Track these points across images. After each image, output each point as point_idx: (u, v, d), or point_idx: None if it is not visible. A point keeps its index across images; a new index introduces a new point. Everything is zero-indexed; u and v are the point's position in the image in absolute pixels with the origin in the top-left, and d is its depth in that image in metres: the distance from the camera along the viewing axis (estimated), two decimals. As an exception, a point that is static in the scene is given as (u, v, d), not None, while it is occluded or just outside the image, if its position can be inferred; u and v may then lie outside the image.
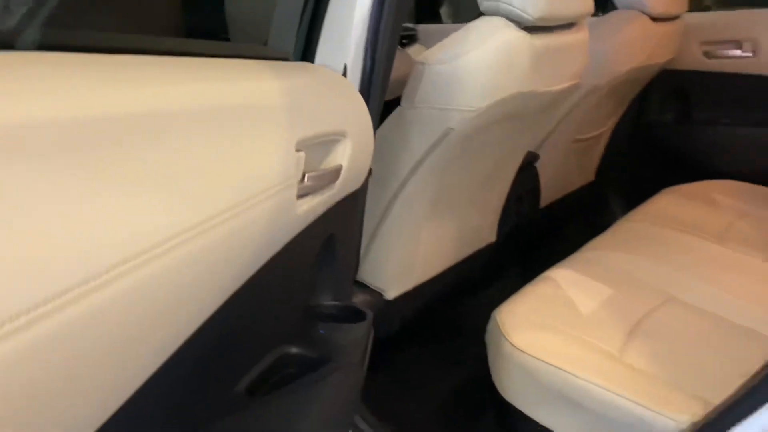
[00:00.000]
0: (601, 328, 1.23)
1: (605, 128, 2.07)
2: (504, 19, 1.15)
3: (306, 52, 0.90)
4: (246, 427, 0.67)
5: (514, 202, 1.74)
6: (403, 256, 1.39)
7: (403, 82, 1.20)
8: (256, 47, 0.92)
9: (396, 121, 1.22)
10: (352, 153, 0.81)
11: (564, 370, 1.10)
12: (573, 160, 2.02)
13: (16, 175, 0.36)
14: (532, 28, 1.17)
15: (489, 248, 1.70)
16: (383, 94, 0.98)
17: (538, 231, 2.02)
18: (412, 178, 1.26)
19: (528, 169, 1.76)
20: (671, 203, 1.88)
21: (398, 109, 1.21)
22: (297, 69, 0.78)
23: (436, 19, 2.52)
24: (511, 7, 1.12)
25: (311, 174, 0.70)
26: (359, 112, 0.86)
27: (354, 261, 1.10)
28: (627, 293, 1.36)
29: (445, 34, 1.20)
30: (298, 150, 0.66)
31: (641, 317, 1.28)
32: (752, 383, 0.88)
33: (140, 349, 0.47)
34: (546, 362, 1.12)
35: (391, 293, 1.38)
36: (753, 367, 1.16)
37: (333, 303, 0.88)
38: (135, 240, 0.44)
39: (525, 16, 1.12)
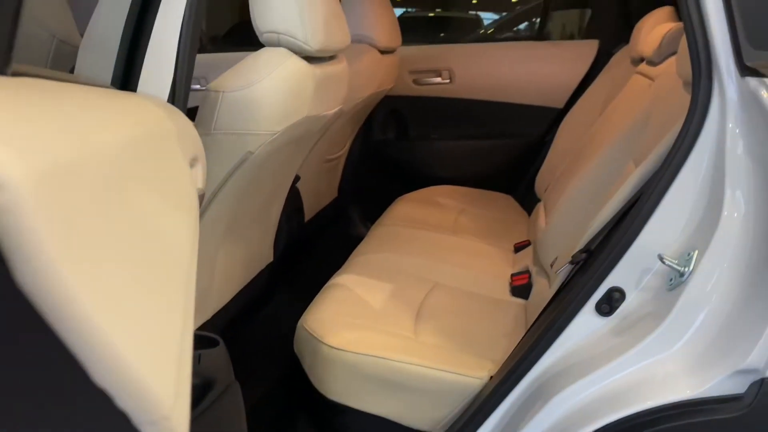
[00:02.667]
0: (395, 317, 1.41)
1: (345, 149, 2.31)
2: (286, 49, 1.25)
3: (127, 80, 0.88)
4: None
5: (285, 221, 1.84)
6: (202, 285, 1.38)
7: None
8: (69, 75, 0.86)
9: (192, 148, 1.22)
10: (203, 175, 0.83)
11: (381, 357, 1.24)
12: (323, 180, 2.21)
13: None
14: (310, 59, 1.30)
15: (268, 267, 1.77)
16: None
17: (305, 246, 2.15)
18: (212, 205, 1.27)
19: (293, 189, 1.88)
20: (407, 208, 2.20)
21: None
22: (139, 99, 0.77)
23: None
24: (293, 39, 1.23)
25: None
26: (197, 138, 0.88)
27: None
28: (404, 285, 1.57)
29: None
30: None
31: (420, 302, 1.50)
32: (529, 340, 1.12)
33: None
34: (364, 354, 1.25)
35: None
36: (509, 326, 1.47)
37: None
38: None
39: (306, 47, 1.24)
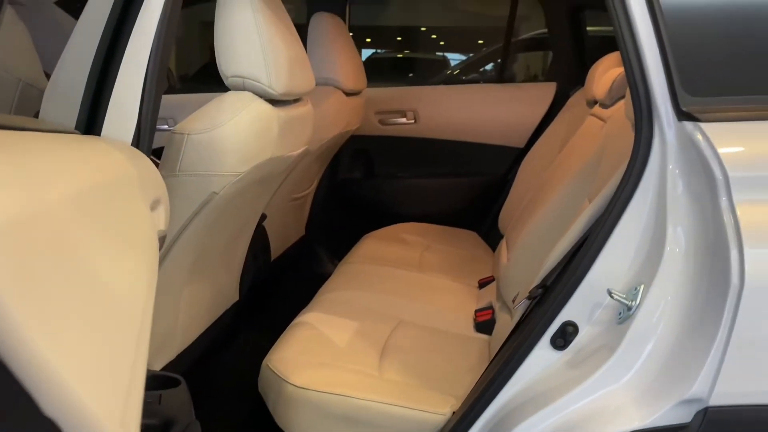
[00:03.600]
0: (359, 355, 1.43)
1: (312, 187, 2.34)
2: (250, 93, 1.29)
3: (92, 123, 0.90)
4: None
5: (251, 259, 1.85)
6: (166, 325, 1.37)
7: None
8: (32, 120, 0.87)
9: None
10: (165, 217, 0.85)
11: (345, 395, 1.25)
12: (290, 218, 2.23)
13: None
14: (275, 102, 1.33)
15: (234, 306, 1.76)
16: None
17: (271, 285, 2.15)
18: (175, 245, 1.28)
19: (259, 228, 1.89)
20: (374, 245, 2.22)
21: None
22: (101, 144, 0.79)
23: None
24: (258, 84, 1.26)
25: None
26: (160, 181, 0.90)
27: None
28: (369, 323, 1.59)
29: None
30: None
31: (386, 340, 1.52)
32: (489, 375, 1.15)
33: None
34: (328, 392, 1.26)
35: (157, 365, 1.35)
36: (473, 362, 1.49)
37: (148, 374, 0.88)
38: None
39: (271, 91, 1.28)
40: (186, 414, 0.83)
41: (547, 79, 2.58)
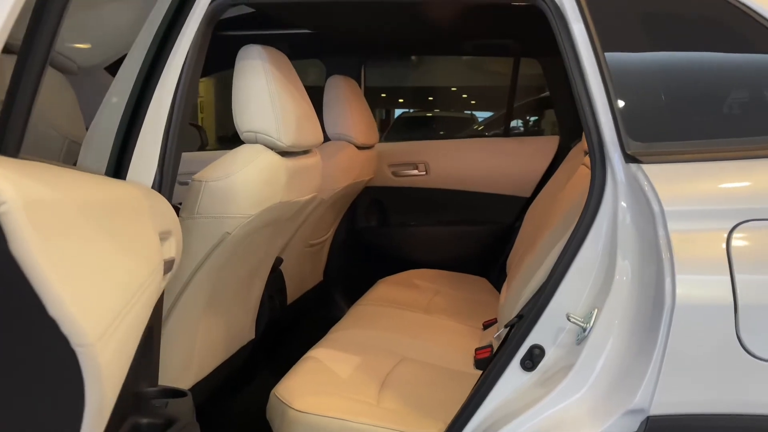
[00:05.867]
0: (361, 386, 1.53)
1: (329, 234, 2.49)
2: (262, 145, 1.46)
3: (118, 169, 1.07)
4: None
5: (267, 300, 1.99)
6: (183, 356, 1.51)
7: None
8: (68, 165, 1.05)
9: (177, 230, 1.40)
10: (177, 247, 1.00)
11: (341, 419, 1.36)
12: (307, 263, 2.38)
13: None
14: (284, 153, 1.50)
15: (250, 344, 1.90)
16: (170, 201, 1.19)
17: (286, 326, 2.28)
18: (193, 279, 1.43)
19: (276, 271, 2.04)
20: (386, 290, 2.34)
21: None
22: (123, 183, 0.96)
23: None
24: (268, 137, 1.44)
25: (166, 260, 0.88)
26: (173, 216, 1.06)
27: (158, 351, 1.21)
28: (373, 358, 1.70)
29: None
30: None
31: (387, 374, 1.62)
32: (469, 396, 1.25)
33: None
34: (326, 416, 1.37)
35: None
36: (466, 394, 1.58)
37: (160, 387, 1.02)
38: None
39: (279, 143, 1.45)
40: (187, 416, 0.96)
41: (552, 134, 2.72)
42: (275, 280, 2.06)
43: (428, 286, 2.43)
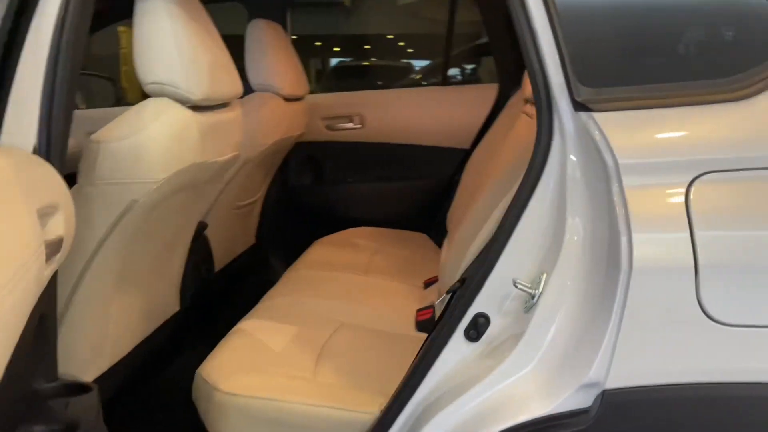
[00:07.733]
0: (295, 360, 1.42)
1: (259, 194, 2.33)
2: (169, 99, 1.28)
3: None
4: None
5: (192, 269, 1.83)
6: (95, 337, 1.36)
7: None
8: None
9: (74, 199, 1.22)
10: (66, 224, 0.84)
11: (272, 399, 1.25)
12: (237, 226, 2.22)
13: None
14: (196, 108, 1.33)
15: (174, 317, 1.75)
16: (63, 169, 1.01)
17: (216, 294, 2.13)
18: (98, 254, 1.27)
19: (200, 238, 1.88)
20: (323, 251, 2.22)
21: (75, 187, 1.21)
22: None
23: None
24: (176, 89, 1.26)
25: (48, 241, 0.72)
26: (60, 187, 0.89)
27: (55, 341, 1.06)
28: (308, 328, 1.59)
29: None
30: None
31: (324, 343, 1.51)
32: (411, 369, 1.16)
33: None
34: (256, 397, 1.25)
35: (88, 376, 1.33)
36: (409, 361, 1.49)
37: (60, 383, 0.88)
38: None
39: (190, 96, 1.28)
40: (91, 418, 0.83)
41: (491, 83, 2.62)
42: (200, 246, 1.90)
43: (367, 245, 2.32)
